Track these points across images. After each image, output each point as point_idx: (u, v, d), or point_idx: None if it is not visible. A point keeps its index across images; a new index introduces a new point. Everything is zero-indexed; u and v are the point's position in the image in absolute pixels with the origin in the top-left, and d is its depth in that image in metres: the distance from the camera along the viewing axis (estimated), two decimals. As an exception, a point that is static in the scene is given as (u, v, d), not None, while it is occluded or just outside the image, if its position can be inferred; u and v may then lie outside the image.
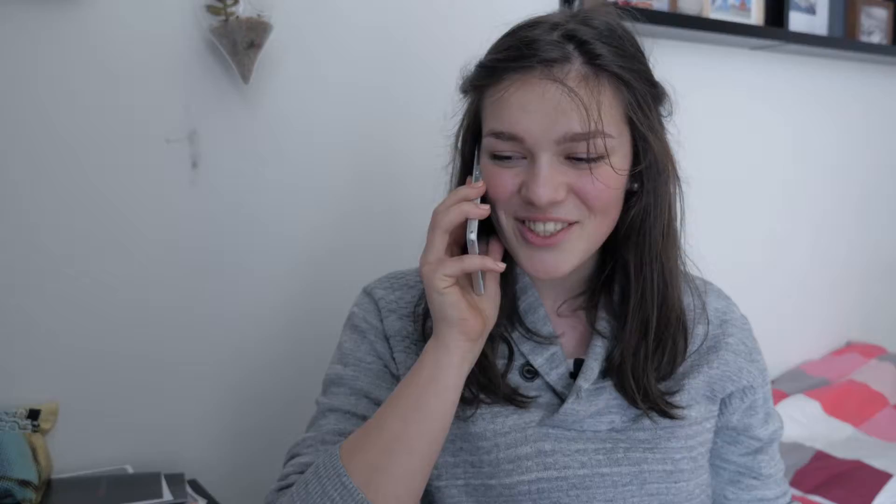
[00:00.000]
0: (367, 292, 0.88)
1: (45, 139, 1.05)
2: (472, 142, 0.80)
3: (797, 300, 2.14)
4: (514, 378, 0.82)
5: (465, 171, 0.82)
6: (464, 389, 0.77)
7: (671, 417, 0.81)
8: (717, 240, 1.81)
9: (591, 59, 0.72)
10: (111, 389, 1.10)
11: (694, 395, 0.84)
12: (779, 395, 1.97)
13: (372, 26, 1.27)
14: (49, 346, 1.05)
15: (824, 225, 2.15)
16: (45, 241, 1.05)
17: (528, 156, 0.73)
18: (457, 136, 0.83)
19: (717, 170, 1.83)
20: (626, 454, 0.81)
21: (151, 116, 1.11)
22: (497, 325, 0.79)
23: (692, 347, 0.85)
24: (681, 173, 0.80)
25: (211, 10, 1.12)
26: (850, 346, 2.28)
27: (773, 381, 2.08)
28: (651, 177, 0.77)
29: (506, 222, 0.76)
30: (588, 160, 0.72)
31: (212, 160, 1.16)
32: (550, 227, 0.74)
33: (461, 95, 0.82)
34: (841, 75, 2.09)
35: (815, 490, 1.60)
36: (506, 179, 0.74)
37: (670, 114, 0.80)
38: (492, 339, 0.80)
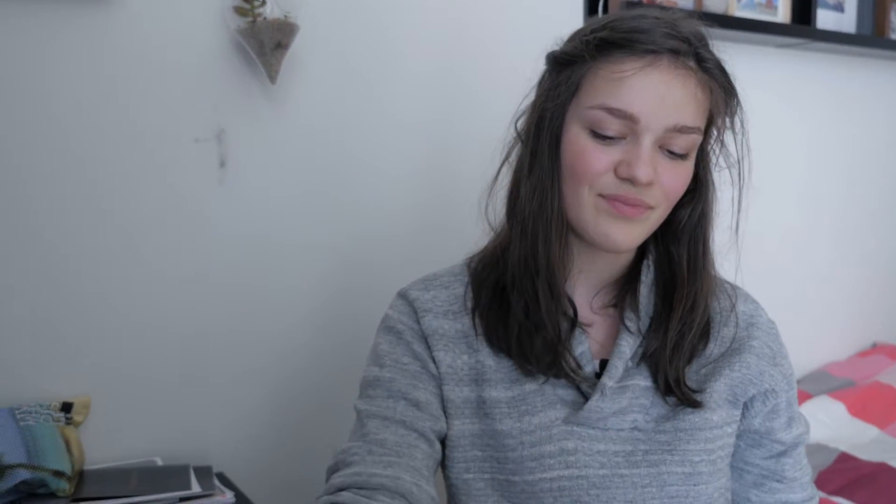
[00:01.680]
0: (402, 295, 0.89)
1: (77, 137, 1.07)
2: (558, 115, 0.80)
3: (821, 300, 2.13)
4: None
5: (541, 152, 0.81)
6: (525, 364, 0.81)
7: (695, 405, 0.82)
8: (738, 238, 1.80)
9: (700, 61, 0.77)
10: (141, 384, 1.12)
11: (716, 398, 0.84)
12: (803, 396, 1.96)
13: (400, 25, 1.28)
14: (81, 342, 1.08)
15: (846, 225, 2.13)
16: (77, 238, 1.08)
17: (631, 136, 0.76)
18: (538, 110, 0.81)
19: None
20: (644, 456, 0.82)
21: (180, 116, 1.13)
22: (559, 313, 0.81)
23: (719, 350, 0.86)
24: (752, 179, 0.84)
25: (238, 11, 1.14)
26: (876, 348, 2.26)
27: (797, 382, 2.07)
28: (712, 180, 0.83)
29: (586, 198, 0.78)
30: (681, 155, 0.77)
31: (239, 159, 1.18)
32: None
33: (547, 67, 0.82)
34: (869, 74, 2.07)
35: (839, 492, 1.59)
36: (603, 157, 0.77)
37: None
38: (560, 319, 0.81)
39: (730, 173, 0.85)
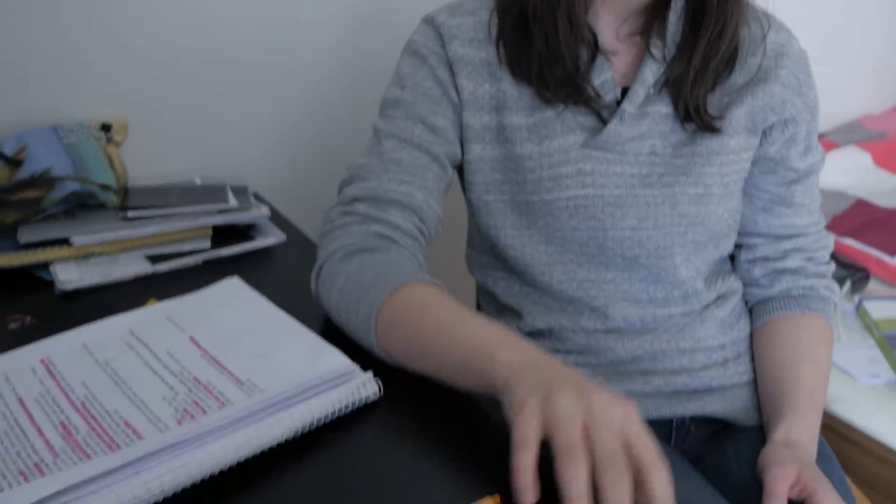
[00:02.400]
0: (428, 20, 0.87)
1: None
2: None
3: (861, 46, 2.04)
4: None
5: None
6: (544, 93, 0.83)
7: (714, 130, 0.84)
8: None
9: None
10: (178, 108, 1.15)
11: (735, 125, 0.85)
12: (830, 146, 1.96)
13: None
14: (117, 65, 1.08)
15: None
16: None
17: None
18: None
19: None
20: (659, 178, 0.85)
21: None
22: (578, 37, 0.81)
23: (744, 79, 0.85)
24: None
25: None
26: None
27: (827, 133, 2.06)
28: None
29: None
30: None
31: None
32: None
33: None
34: None
35: (850, 233, 1.65)
36: None
37: None
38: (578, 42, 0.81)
39: None
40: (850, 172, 1.89)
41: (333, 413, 0.65)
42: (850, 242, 1.62)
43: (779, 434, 0.83)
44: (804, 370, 0.88)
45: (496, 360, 0.59)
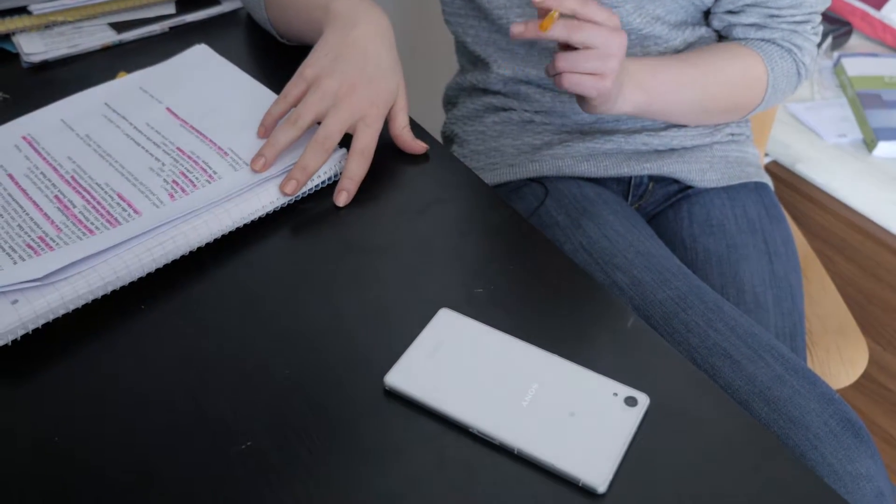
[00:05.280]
0: None
1: None
2: None
3: None
4: None
5: None
6: None
7: None
8: None
9: None
10: None
11: None
12: None
13: None
14: None
15: None
16: None
17: None
18: None
19: None
20: None
21: None
22: None
23: None
24: None
25: None
26: None
27: None
28: None
29: None
30: None
31: None
32: None
33: None
34: None
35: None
36: None
37: None
38: None
39: None
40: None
41: (318, 185, 0.68)
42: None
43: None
44: (707, 56, 0.86)
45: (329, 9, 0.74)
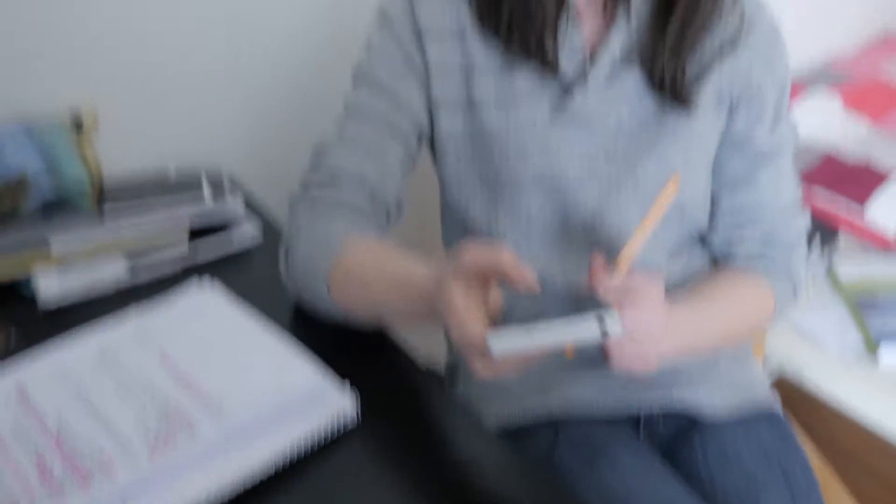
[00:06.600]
0: None
1: None
2: None
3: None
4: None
5: None
6: (512, 53, 0.83)
7: (686, 103, 0.83)
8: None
9: None
10: (147, 95, 1.11)
11: (704, 102, 0.84)
12: (799, 90, 1.94)
13: None
14: (87, 47, 1.03)
15: None
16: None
17: None
18: None
19: None
20: (624, 156, 0.84)
21: None
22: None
23: (712, 50, 0.84)
24: None
25: None
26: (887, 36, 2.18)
27: (796, 76, 2.04)
28: None
29: None
30: None
31: None
32: None
33: None
34: None
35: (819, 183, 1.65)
36: None
37: None
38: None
39: None
40: (818, 120, 1.88)
41: (309, 443, 0.67)
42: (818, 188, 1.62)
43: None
44: (723, 288, 0.89)
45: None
